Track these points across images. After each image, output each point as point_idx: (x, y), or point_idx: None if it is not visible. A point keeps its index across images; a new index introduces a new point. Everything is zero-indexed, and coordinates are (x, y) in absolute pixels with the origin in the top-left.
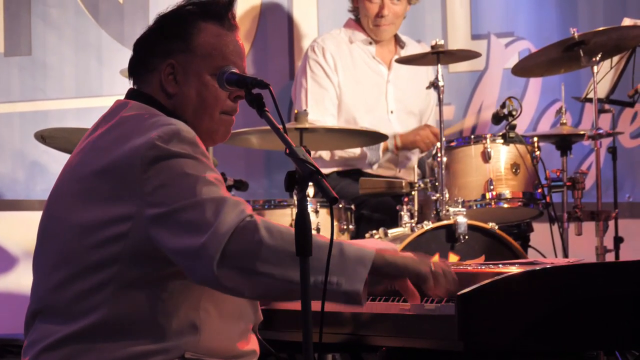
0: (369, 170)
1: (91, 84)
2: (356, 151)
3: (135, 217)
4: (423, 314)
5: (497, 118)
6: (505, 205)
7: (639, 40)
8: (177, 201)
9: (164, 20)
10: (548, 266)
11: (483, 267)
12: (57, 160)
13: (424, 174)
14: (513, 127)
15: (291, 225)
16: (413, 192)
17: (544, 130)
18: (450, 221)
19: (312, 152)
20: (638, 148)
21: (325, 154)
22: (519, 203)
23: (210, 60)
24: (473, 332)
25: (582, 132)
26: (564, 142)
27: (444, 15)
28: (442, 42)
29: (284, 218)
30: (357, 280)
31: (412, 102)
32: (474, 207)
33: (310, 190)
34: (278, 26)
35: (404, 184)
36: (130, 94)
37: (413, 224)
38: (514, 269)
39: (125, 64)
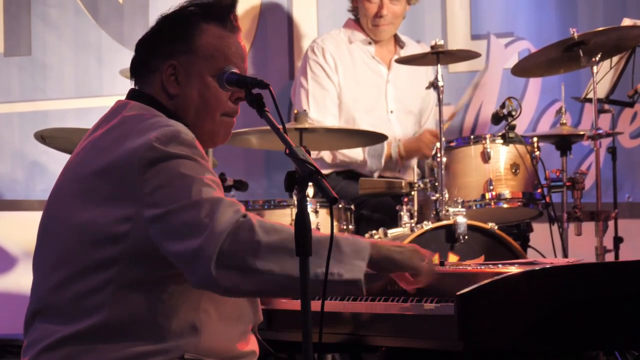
0: (363, 173)
1: (91, 84)
2: (358, 158)
3: (134, 219)
4: (423, 314)
5: (496, 118)
6: (505, 206)
7: (639, 40)
8: (173, 202)
9: (166, 20)
10: (548, 266)
11: (483, 267)
12: (56, 161)
13: (424, 174)
14: (513, 127)
15: (291, 224)
16: (413, 192)
17: (543, 131)
18: (450, 221)
19: (314, 153)
20: (638, 148)
21: (327, 157)
22: (519, 203)
23: (212, 62)
24: (473, 332)
25: (581, 132)
26: (563, 142)
27: (443, 16)
28: (441, 42)
29: (283, 218)
30: (357, 270)
31: (412, 102)
32: (474, 207)
33: (310, 191)
34: (278, 26)
35: (403, 184)
36: (131, 95)
37: (413, 224)
38: (514, 269)
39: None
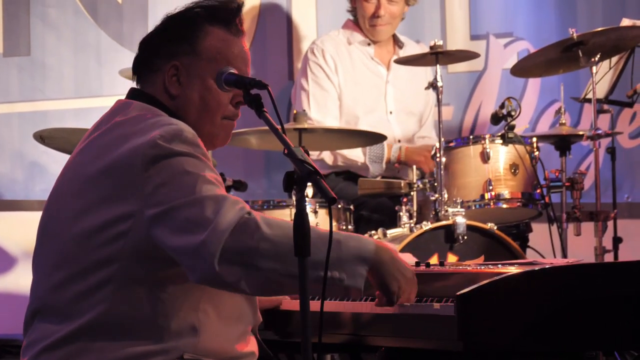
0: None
1: (90, 85)
2: (359, 161)
3: (135, 216)
4: (422, 314)
5: (496, 118)
6: (504, 206)
7: (638, 40)
8: (176, 199)
9: (170, 21)
10: (547, 266)
11: (482, 268)
12: (56, 161)
13: (423, 174)
14: (512, 128)
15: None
16: (412, 193)
17: (543, 131)
18: (449, 221)
19: (314, 154)
20: (637, 148)
21: (327, 158)
22: (518, 203)
23: (215, 65)
24: (472, 332)
25: (581, 133)
26: (562, 143)
27: (442, 16)
28: (441, 42)
29: (282, 218)
30: (358, 277)
31: (411, 103)
32: (473, 208)
33: (309, 191)
34: (277, 27)
35: (402, 184)
36: (132, 94)
37: (412, 225)
38: (513, 269)
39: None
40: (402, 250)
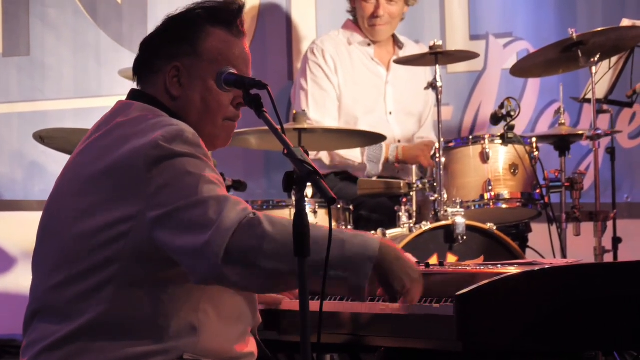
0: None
1: (90, 85)
2: (356, 160)
3: (137, 217)
4: (422, 314)
5: (495, 118)
6: (504, 206)
7: (638, 40)
8: (179, 200)
9: (171, 22)
10: (547, 267)
11: (482, 268)
12: (55, 161)
13: (425, 173)
14: (511, 128)
15: None
16: (411, 193)
17: (542, 131)
18: (449, 222)
19: (312, 154)
20: (636, 148)
21: (325, 158)
22: (518, 203)
23: (216, 66)
24: (472, 332)
25: (580, 133)
26: (562, 143)
27: (442, 16)
28: (440, 42)
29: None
30: (362, 276)
31: (411, 103)
32: (473, 208)
33: (309, 191)
34: (276, 27)
35: (402, 184)
36: (133, 95)
37: (411, 225)
38: (513, 270)
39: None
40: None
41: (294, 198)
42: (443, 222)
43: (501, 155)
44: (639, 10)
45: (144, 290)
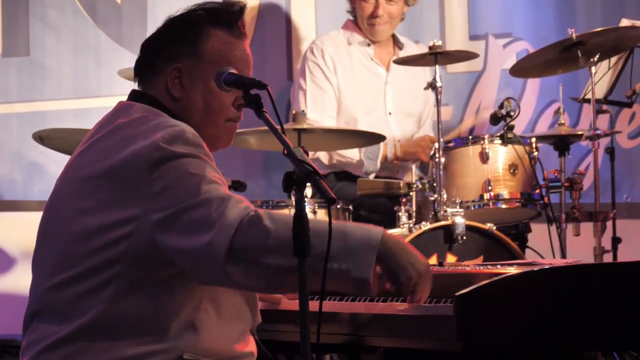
0: (359, 174)
1: (89, 85)
2: (354, 158)
3: (139, 219)
4: (421, 314)
5: (495, 119)
6: (503, 206)
7: (637, 40)
8: (181, 202)
9: (172, 23)
10: (546, 267)
11: (481, 268)
12: (55, 161)
13: (426, 172)
14: (511, 128)
15: None
16: (411, 193)
17: (542, 131)
18: (448, 222)
19: (312, 153)
20: (636, 148)
21: (323, 157)
22: (517, 204)
23: (217, 67)
24: (471, 332)
25: (580, 133)
26: (562, 143)
27: (441, 16)
28: (439, 42)
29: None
30: (365, 267)
31: (410, 104)
32: (472, 208)
33: (308, 191)
34: (276, 27)
35: (401, 184)
36: (134, 96)
37: (411, 225)
38: (513, 270)
39: (123, 65)
40: None
41: (293, 198)
42: (442, 222)
43: (501, 155)
44: (638, 11)
45: (145, 291)
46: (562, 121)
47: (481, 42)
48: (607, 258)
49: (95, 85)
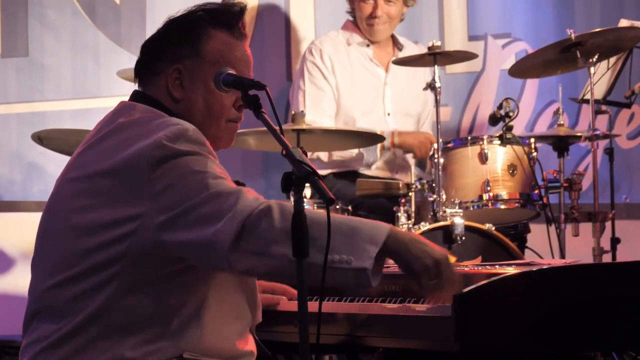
0: (365, 172)
1: (88, 86)
2: (354, 151)
3: (142, 217)
4: (420, 314)
5: (494, 119)
6: (502, 207)
7: (636, 41)
8: (187, 200)
9: (173, 24)
10: (545, 267)
11: (480, 268)
12: (54, 162)
13: (424, 169)
14: (510, 128)
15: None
16: (410, 194)
17: (541, 132)
18: (447, 222)
19: (310, 154)
20: (635, 149)
21: (323, 155)
22: (516, 204)
23: (218, 68)
24: (470, 333)
25: (579, 134)
26: (561, 143)
27: (440, 16)
28: (439, 43)
29: None
30: (366, 258)
31: (409, 104)
32: (471, 208)
33: (307, 191)
34: (275, 28)
35: (401, 185)
36: (135, 96)
37: (410, 225)
38: (511, 270)
39: (122, 66)
40: None
41: (292, 199)
42: (442, 223)
43: (500, 155)
44: (637, 11)
45: (145, 289)
46: (561, 122)
47: (480, 42)
48: (606, 258)
49: (94, 86)
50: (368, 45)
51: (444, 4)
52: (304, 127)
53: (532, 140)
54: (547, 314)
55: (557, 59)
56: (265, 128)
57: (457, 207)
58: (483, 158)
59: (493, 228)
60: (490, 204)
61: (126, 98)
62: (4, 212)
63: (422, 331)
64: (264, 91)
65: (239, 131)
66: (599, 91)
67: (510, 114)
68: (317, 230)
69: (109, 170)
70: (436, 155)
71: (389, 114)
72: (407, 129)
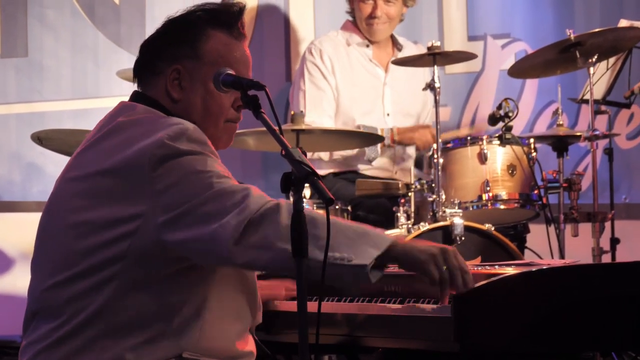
0: (365, 172)
1: (87, 86)
2: (355, 149)
3: (144, 217)
4: (419, 315)
5: (493, 119)
6: (502, 207)
7: (636, 41)
8: (193, 198)
9: (172, 24)
10: (544, 267)
11: (479, 269)
12: (53, 162)
13: (421, 168)
14: (509, 129)
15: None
16: (410, 194)
17: (540, 132)
18: (447, 222)
19: (311, 154)
20: (634, 149)
21: (324, 154)
22: (516, 204)
23: (217, 68)
24: (469, 333)
25: (578, 134)
26: (560, 144)
27: (440, 17)
28: (438, 43)
29: None
30: (367, 257)
31: (409, 104)
32: (471, 209)
33: (307, 192)
34: (275, 28)
35: (400, 185)
36: (135, 97)
37: (409, 226)
38: (511, 270)
39: (121, 66)
40: None
41: (292, 199)
42: (441, 223)
43: (499, 156)
44: (637, 11)
45: (146, 289)
46: (561, 122)
47: (480, 42)
48: (606, 259)
49: (94, 86)
50: (367, 46)
51: (444, 4)
52: (303, 127)
53: (532, 140)
54: (547, 314)
55: (556, 59)
56: (264, 128)
57: (456, 207)
58: (482, 158)
59: (492, 228)
60: (489, 204)
61: (126, 98)
62: (4, 213)
63: (421, 331)
64: (264, 91)
65: (238, 131)
66: (598, 91)
67: (510, 114)
68: (323, 230)
69: (110, 170)
70: (435, 156)
71: (388, 114)
72: None
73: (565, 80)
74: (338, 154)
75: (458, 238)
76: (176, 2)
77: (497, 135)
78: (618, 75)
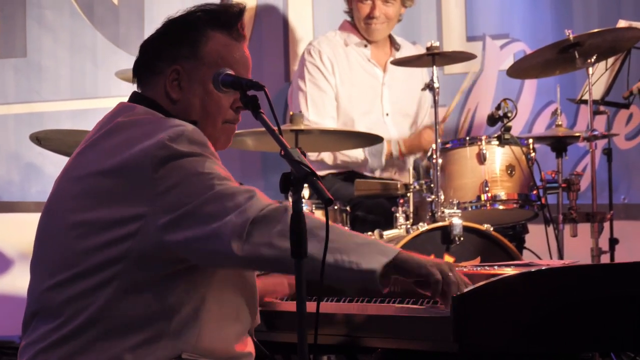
0: (364, 172)
1: (86, 86)
2: (359, 157)
3: (145, 218)
4: (418, 315)
5: (492, 119)
6: (501, 207)
7: (634, 42)
8: (194, 199)
9: (172, 25)
10: (543, 268)
11: (478, 269)
12: (52, 162)
13: (419, 176)
14: (508, 129)
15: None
16: (408, 194)
17: (539, 132)
18: (446, 223)
19: (314, 155)
20: (633, 150)
21: (327, 158)
22: (514, 205)
23: (216, 69)
24: (468, 333)
25: (577, 134)
26: (559, 144)
27: (439, 17)
28: (437, 43)
29: None
30: (375, 263)
31: (407, 104)
32: (469, 209)
33: (306, 192)
34: (273, 28)
35: (399, 185)
36: (134, 98)
37: (408, 226)
38: (509, 271)
39: (120, 66)
40: None
41: (291, 199)
42: (440, 223)
43: (498, 156)
44: (635, 12)
45: (145, 290)
46: (560, 122)
47: (478, 43)
48: (605, 259)
49: (93, 87)
50: (366, 46)
51: (442, 4)
52: (302, 127)
53: (531, 140)
54: (546, 315)
55: (555, 59)
56: (263, 128)
57: (455, 208)
58: (481, 158)
59: (491, 228)
60: (488, 205)
61: (124, 99)
62: (2, 213)
63: (421, 332)
64: (263, 92)
65: (237, 132)
66: (597, 92)
67: (509, 114)
68: (333, 235)
69: (110, 170)
70: (434, 156)
71: (387, 115)
72: (406, 129)
73: (564, 81)
74: (341, 160)
75: (457, 238)
76: (175, 2)
77: (496, 135)
78: (617, 76)
